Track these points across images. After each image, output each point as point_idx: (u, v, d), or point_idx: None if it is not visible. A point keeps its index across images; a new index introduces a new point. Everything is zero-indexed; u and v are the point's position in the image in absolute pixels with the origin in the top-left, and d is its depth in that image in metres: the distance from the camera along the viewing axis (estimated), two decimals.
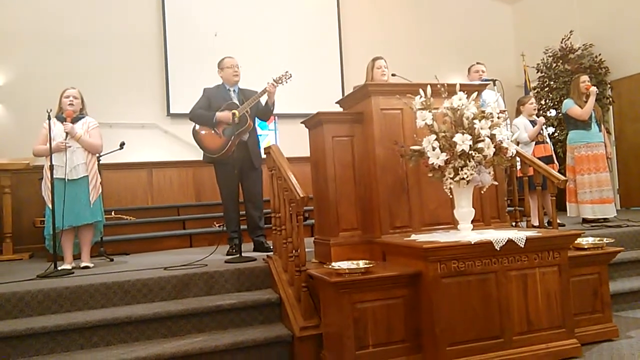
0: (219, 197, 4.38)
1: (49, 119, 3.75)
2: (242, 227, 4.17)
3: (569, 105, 5.00)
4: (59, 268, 3.61)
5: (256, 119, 4.38)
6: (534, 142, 5.13)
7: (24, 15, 6.54)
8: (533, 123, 5.14)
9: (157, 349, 2.70)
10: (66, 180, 3.80)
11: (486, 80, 4.89)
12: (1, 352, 2.68)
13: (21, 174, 5.61)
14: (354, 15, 8.16)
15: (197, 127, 4.22)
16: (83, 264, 3.89)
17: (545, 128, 5.29)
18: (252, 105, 4.14)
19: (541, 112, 6.62)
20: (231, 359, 2.78)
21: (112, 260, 4.32)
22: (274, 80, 4.13)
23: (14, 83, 6.43)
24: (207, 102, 4.22)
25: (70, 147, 3.82)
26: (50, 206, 3.69)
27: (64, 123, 3.86)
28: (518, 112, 5.32)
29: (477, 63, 5.23)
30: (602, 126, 5.18)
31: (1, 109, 6.40)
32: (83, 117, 4.02)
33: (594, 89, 4.92)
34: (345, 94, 4.23)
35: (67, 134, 3.82)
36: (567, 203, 5.02)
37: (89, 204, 3.89)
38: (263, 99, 4.24)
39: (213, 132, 4.13)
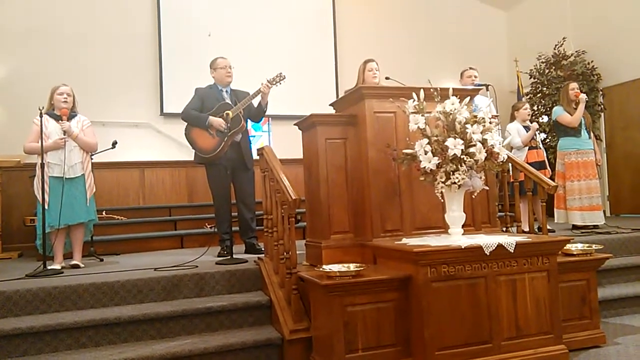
0: (211, 198, 4.37)
1: (41, 116, 3.72)
2: (233, 228, 4.16)
3: (559, 113, 5.04)
4: (49, 268, 3.58)
5: (248, 120, 4.37)
6: (527, 148, 5.17)
7: (17, 14, 6.50)
8: (527, 128, 5.18)
9: (146, 350, 2.68)
10: (64, 178, 3.79)
11: (479, 85, 4.92)
12: None
13: (12, 172, 5.57)
14: (349, 18, 8.18)
15: (190, 127, 4.20)
16: (73, 262, 3.87)
17: (539, 134, 5.33)
18: (245, 107, 4.14)
19: (533, 117, 6.67)
20: None
21: (102, 260, 4.29)
22: (267, 81, 4.14)
23: (6, 80, 6.39)
24: (200, 103, 4.21)
25: (68, 141, 3.81)
26: (44, 204, 3.67)
27: (61, 122, 3.84)
28: (512, 117, 5.36)
29: (470, 68, 5.25)
30: (592, 133, 5.22)
31: None
32: (76, 115, 4.00)
33: (583, 97, 4.96)
34: (340, 97, 4.24)
35: (64, 132, 3.81)
36: (554, 209, 5.05)
37: (86, 202, 3.90)
38: (255, 100, 4.24)
39: (206, 132, 4.12)
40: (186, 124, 4.24)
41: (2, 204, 5.29)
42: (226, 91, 4.30)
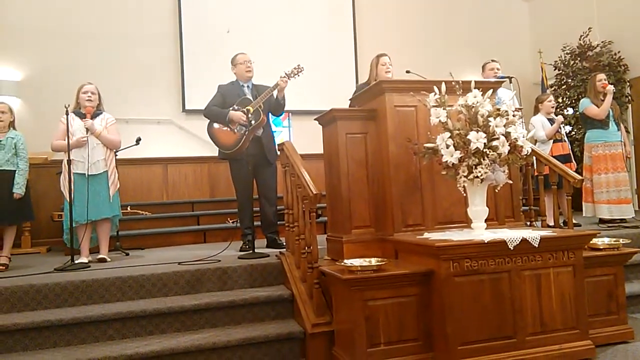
0: (234, 193, 4.41)
1: (67, 114, 3.81)
2: (255, 223, 4.19)
3: (586, 105, 4.94)
4: (76, 262, 3.68)
5: (270, 115, 4.39)
6: (552, 141, 5.08)
7: (42, 11, 6.64)
8: (551, 121, 5.08)
9: (172, 342, 2.74)
10: (87, 175, 3.88)
11: (502, 77, 4.84)
12: (19, 344, 2.74)
13: (39, 168, 5.70)
14: (368, 12, 8.12)
15: (212, 123, 4.24)
16: (100, 256, 3.96)
17: (563, 126, 5.23)
18: (265, 101, 4.16)
19: (558, 110, 6.54)
20: (243, 354, 2.81)
21: (127, 254, 4.38)
22: (285, 74, 4.14)
23: (33, 78, 6.53)
24: (222, 99, 4.25)
25: (90, 137, 3.89)
26: (70, 201, 3.76)
27: (84, 119, 3.93)
28: (536, 110, 5.27)
29: (492, 61, 5.17)
30: (621, 125, 5.10)
31: (20, 103, 6.50)
32: (101, 113, 4.08)
33: (610, 88, 4.85)
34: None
35: (87, 129, 3.90)
36: (583, 203, 4.96)
37: (109, 198, 3.99)
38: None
39: (227, 128, 4.16)
40: (208, 120, 4.28)
41: (31, 200, 5.41)
42: (247, 86, 4.33)
